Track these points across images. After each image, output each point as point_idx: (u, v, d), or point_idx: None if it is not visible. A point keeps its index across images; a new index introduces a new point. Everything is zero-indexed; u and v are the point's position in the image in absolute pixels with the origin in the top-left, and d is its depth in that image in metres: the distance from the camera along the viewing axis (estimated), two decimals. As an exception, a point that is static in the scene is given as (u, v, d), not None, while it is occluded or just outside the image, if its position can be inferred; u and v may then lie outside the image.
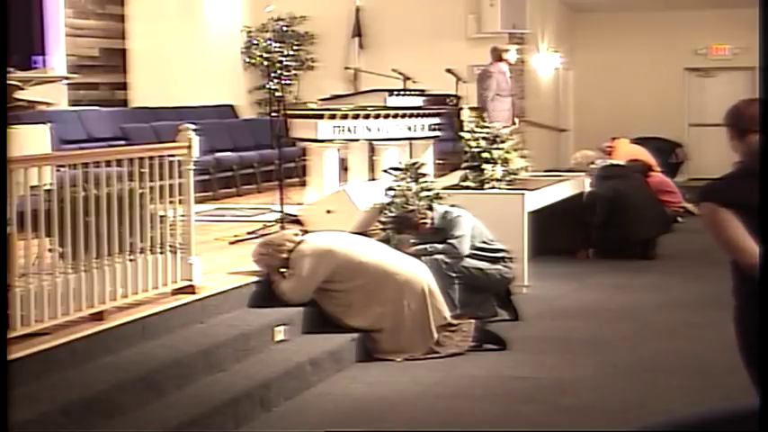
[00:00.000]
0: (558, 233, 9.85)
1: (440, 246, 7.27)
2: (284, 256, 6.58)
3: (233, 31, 14.48)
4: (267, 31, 14.51)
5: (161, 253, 5.84)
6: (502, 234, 7.63)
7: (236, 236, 8.22)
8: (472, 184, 8.86)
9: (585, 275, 9.28)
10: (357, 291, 6.50)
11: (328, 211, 8.42)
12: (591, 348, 6.73)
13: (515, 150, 9.10)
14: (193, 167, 6.07)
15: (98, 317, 5.30)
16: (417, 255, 7.12)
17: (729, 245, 3.34)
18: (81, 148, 9.19)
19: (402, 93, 9.86)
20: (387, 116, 9.30)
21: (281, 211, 8.57)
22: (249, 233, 8.22)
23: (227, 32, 14.34)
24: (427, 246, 7.30)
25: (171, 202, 5.93)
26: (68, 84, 11.08)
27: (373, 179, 9.37)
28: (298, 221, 8.58)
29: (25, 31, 10.83)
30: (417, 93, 9.97)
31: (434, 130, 9.79)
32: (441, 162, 10.52)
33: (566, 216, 9.98)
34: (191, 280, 6.05)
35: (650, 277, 9.23)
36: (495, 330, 6.88)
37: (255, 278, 6.62)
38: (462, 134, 9.19)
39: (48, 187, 5.08)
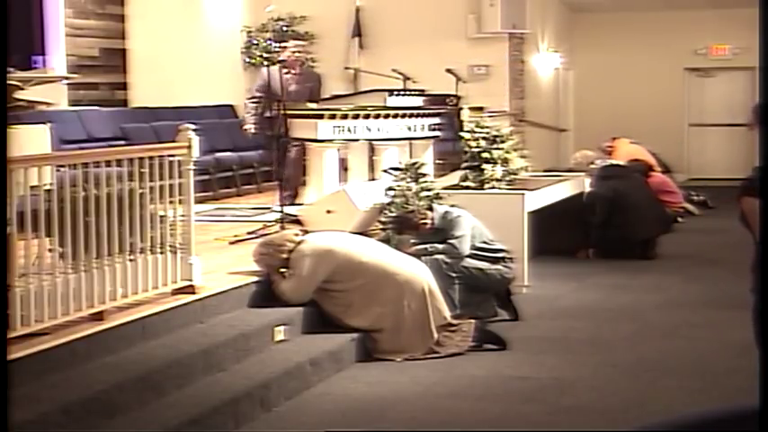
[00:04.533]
0: (558, 233, 9.85)
1: (440, 246, 7.28)
2: (284, 256, 6.58)
3: (233, 31, 14.48)
4: (267, 31, 14.50)
5: (161, 253, 5.84)
6: (502, 234, 7.63)
7: (236, 236, 8.22)
8: (472, 184, 8.86)
9: (585, 275, 9.28)
10: (357, 291, 6.50)
11: (328, 211, 8.42)
12: (591, 348, 6.73)
13: (515, 150, 9.10)
14: (193, 167, 6.07)
15: (98, 317, 5.30)
16: (417, 255, 7.12)
17: None
18: (81, 148, 9.19)
19: (402, 93, 9.85)
20: (387, 116, 9.30)
21: (281, 211, 8.57)
22: (249, 233, 8.22)
23: (227, 32, 14.33)
24: (427, 246, 7.30)
25: (171, 202, 5.93)
26: (68, 84, 11.07)
27: (373, 179, 9.37)
28: (298, 221, 8.58)
29: (25, 31, 10.83)
30: (417, 93, 9.97)
31: (434, 130, 9.79)
32: (441, 162, 10.51)
33: (566, 216, 9.98)
34: (191, 280, 6.05)
35: (650, 277, 9.23)
36: (495, 330, 6.88)
37: (255, 278, 6.62)
38: (462, 134, 9.19)
39: (48, 187, 5.08)
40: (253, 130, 10.25)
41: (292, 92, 9.98)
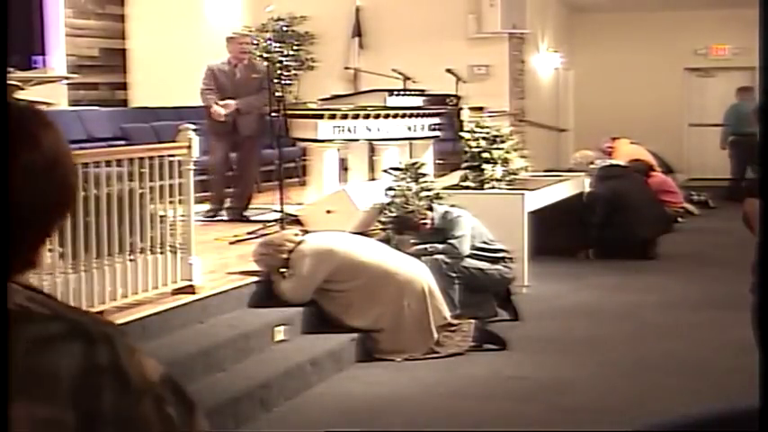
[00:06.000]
0: (558, 233, 9.84)
1: (440, 246, 7.28)
2: (284, 256, 6.58)
3: (233, 31, 14.46)
4: (267, 31, 14.49)
5: (161, 253, 5.84)
6: (502, 234, 7.63)
7: (236, 236, 8.22)
8: (472, 184, 8.86)
9: (585, 275, 9.27)
10: (357, 291, 6.50)
11: (328, 211, 8.43)
12: (590, 348, 6.74)
13: (515, 150, 9.10)
14: (193, 167, 6.07)
15: (98, 317, 5.30)
16: (417, 255, 7.12)
17: None
18: (81, 148, 9.17)
19: (402, 93, 9.85)
20: (387, 116, 9.30)
21: (281, 211, 8.57)
22: (249, 233, 8.22)
23: (227, 32, 14.31)
24: (427, 246, 7.30)
25: (171, 202, 5.93)
26: (68, 84, 11.07)
27: (373, 179, 9.37)
28: (298, 221, 8.58)
29: (25, 31, 10.82)
30: (417, 93, 9.97)
31: (434, 130, 9.79)
32: (441, 162, 10.52)
33: (566, 216, 9.97)
34: (191, 280, 6.05)
35: (650, 277, 9.22)
36: (495, 330, 6.89)
37: (255, 278, 6.62)
38: (462, 134, 9.19)
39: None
40: (223, 111, 9.32)
41: (238, 86, 9.53)
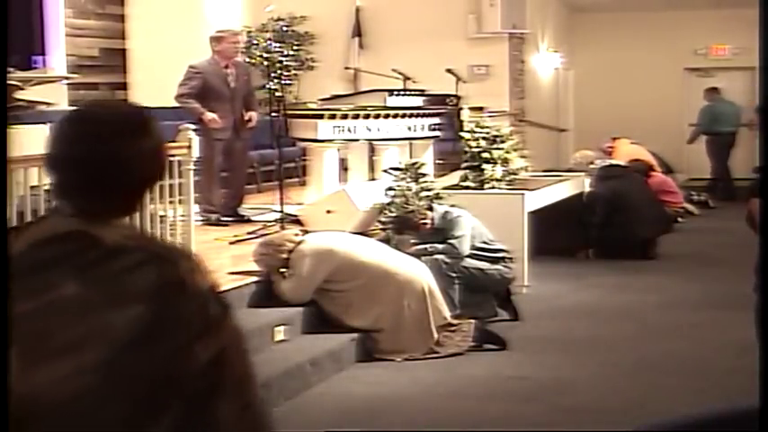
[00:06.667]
0: (558, 233, 9.84)
1: (440, 246, 7.28)
2: (284, 256, 6.58)
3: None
4: (267, 31, 14.48)
5: (161, 253, 5.83)
6: (502, 234, 7.63)
7: (236, 236, 8.22)
8: (472, 184, 8.86)
9: (585, 275, 9.27)
10: (357, 291, 6.50)
11: (328, 211, 8.43)
12: (591, 348, 6.73)
13: (515, 150, 9.10)
14: (193, 167, 6.07)
15: (98, 317, 5.30)
16: (417, 255, 7.12)
17: None
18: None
19: (402, 93, 9.85)
20: (387, 116, 9.30)
21: (281, 211, 8.57)
22: (249, 233, 8.22)
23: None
24: (427, 246, 7.30)
25: (171, 202, 5.93)
26: (68, 84, 11.07)
27: (373, 179, 9.37)
28: (298, 221, 8.58)
29: (25, 31, 10.82)
30: (417, 93, 9.97)
31: (434, 130, 9.79)
32: (441, 162, 10.51)
33: (566, 216, 9.97)
34: (191, 280, 6.04)
35: (650, 277, 9.22)
36: (495, 330, 6.88)
37: (255, 278, 6.61)
38: (462, 134, 9.19)
39: (48, 187, 5.08)
40: (218, 118, 8.92)
41: (235, 88, 9.14)
